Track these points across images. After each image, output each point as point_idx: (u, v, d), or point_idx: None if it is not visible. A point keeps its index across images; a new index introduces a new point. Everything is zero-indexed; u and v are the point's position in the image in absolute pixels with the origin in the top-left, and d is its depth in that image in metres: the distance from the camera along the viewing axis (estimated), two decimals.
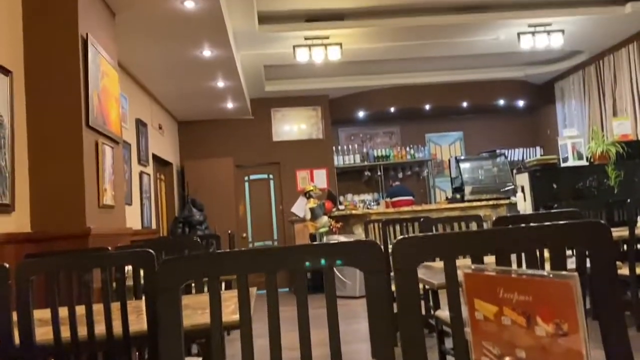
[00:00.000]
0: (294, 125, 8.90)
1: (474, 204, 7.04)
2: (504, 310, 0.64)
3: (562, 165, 6.76)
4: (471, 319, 0.68)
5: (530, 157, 8.58)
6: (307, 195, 7.36)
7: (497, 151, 8.39)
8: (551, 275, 0.59)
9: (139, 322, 1.91)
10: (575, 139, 6.81)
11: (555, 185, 6.41)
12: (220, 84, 6.60)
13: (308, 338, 1.16)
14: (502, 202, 6.99)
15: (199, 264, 1.13)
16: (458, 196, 7.52)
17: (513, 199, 6.88)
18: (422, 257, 1.09)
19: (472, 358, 0.70)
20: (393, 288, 1.18)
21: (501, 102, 9.07)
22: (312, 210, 7.23)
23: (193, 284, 3.10)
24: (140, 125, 6.19)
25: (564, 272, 0.57)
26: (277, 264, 1.15)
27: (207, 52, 5.44)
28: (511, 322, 0.63)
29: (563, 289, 0.57)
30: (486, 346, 0.66)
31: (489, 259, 1.00)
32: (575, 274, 0.56)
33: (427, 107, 8.93)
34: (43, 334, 1.72)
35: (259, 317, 1.27)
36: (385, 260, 1.24)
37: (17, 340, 1.65)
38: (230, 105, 7.74)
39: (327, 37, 6.13)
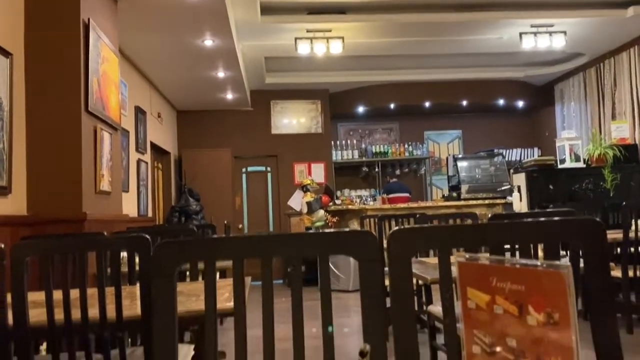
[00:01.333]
0: (293, 119, 8.89)
1: (470, 202, 7.05)
2: (496, 299, 0.64)
3: (559, 166, 6.78)
4: (463, 307, 0.69)
5: (527, 158, 8.60)
6: (304, 189, 7.36)
7: (495, 150, 8.40)
8: (544, 266, 0.59)
9: (132, 307, 1.92)
10: (573, 140, 6.83)
11: (551, 187, 6.43)
12: (221, 74, 6.59)
13: (301, 322, 1.17)
14: (498, 201, 7.01)
15: (195, 247, 1.13)
16: (454, 194, 7.54)
17: (509, 198, 6.90)
18: (416, 248, 1.10)
19: (463, 347, 0.71)
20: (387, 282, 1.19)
21: (501, 101, 9.07)
22: (308, 204, 7.24)
23: (188, 273, 3.11)
24: (139, 112, 6.18)
25: (557, 262, 0.58)
26: (273, 250, 1.16)
27: (208, 42, 5.42)
28: (503, 311, 0.64)
29: (555, 279, 0.57)
30: (478, 335, 0.67)
31: (484, 256, 1.01)
32: (568, 264, 0.56)
33: (427, 104, 8.93)
34: (36, 315, 1.72)
35: (253, 308, 1.28)
36: (380, 254, 1.25)
37: (10, 321, 1.65)
38: (229, 96, 7.73)
39: (330, 31, 6.11)
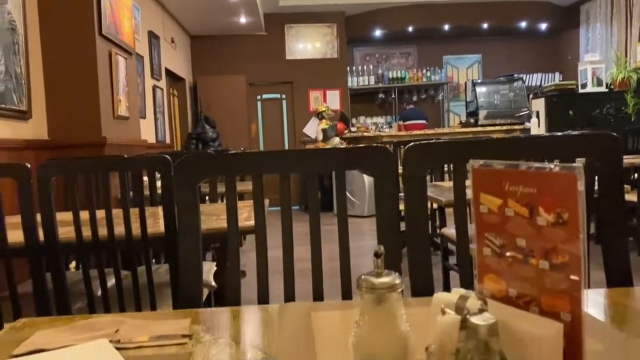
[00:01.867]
0: (308, 44, 8.70)
1: (488, 128, 6.99)
2: (508, 202, 0.66)
3: (580, 91, 6.62)
4: (476, 212, 0.71)
5: (548, 83, 8.39)
6: (320, 116, 7.33)
7: (515, 75, 8.20)
8: (557, 168, 0.61)
9: (156, 225, 1.99)
10: (597, 64, 6.62)
11: (571, 112, 6.32)
12: None
13: (318, 233, 1.21)
14: (516, 127, 6.93)
15: (216, 162, 1.16)
16: (472, 120, 7.46)
17: (527, 124, 6.82)
18: (432, 162, 1.11)
19: (475, 254, 0.74)
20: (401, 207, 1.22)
21: (523, 24, 8.75)
22: (324, 131, 7.24)
23: (207, 197, 3.19)
24: (152, 38, 6.10)
25: (569, 164, 0.59)
26: (291, 166, 1.19)
27: None
28: (514, 214, 0.66)
29: (567, 180, 0.59)
30: (489, 237, 0.70)
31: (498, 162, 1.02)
32: (580, 165, 0.58)
33: (446, 27, 8.65)
34: (64, 233, 1.80)
35: (272, 232, 1.32)
36: (395, 170, 1.27)
37: (41, 237, 1.73)
38: (243, 19, 7.55)
39: None
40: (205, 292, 2.19)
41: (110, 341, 0.78)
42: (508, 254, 0.67)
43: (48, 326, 0.93)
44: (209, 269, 2.30)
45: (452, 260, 3.66)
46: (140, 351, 0.81)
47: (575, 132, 1.06)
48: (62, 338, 0.84)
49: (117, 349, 0.75)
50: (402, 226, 1.24)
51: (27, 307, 1.76)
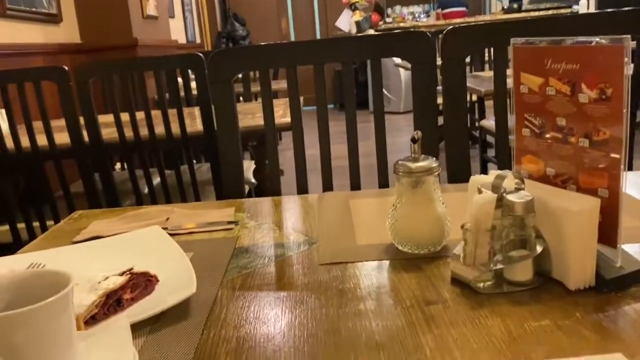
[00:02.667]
0: None
1: (532, 14, 6.59)
2: (549, 80, 0.64)
3: None
4: (516, 93, 0.70)
5: None
6: (353, 7, 7.03)
7: None
8: (603, 41, 0.58)
9: (194, 124, 2.03)
10: None
11: None
12: None
13: (354, 124, 1.21)
14: (562, 10, 6.51)
15: (248, 54, 1.15)
16: (515, 6, 7.03)
17: (575, 7, 6.38)
18: (472, 46, 1.07)
19: (513, 132, 0.73)
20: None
21: None
22: (357, 23, 6.97)
23: (241, 97, 3.19)
24: None
25: (616, 36, 0.56)
26: (325, 55, 1.17)
27: None
28: (555, 92, 0.64)
29: (613, 52, 0.56)
30: (528, 118, 0.69)
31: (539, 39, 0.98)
32: (628, 36, 0.55)
33: None
34: (107, 134, 1.86)
35: (308, 132, 1.33)
36: (433, 57, 1.23)
37: (86, 138, 1.79)
38: None
39: None
40: (246, 189, 2.26)
41: (162, 228, 0.83)
42: (547, 135, 0.67)
43: (102, 217, 0.99)
44: (247, 167, 2.35)
45: (491, 152, 3.63)
46: (191, 237, 0.86)
47: (625, 9, 0.99)
48: (117, 226, 0.90)
49: (169, 234, 0.80)
50: (440, 121, 1.23)
51: (80, 205, 1.86)
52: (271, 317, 0.61)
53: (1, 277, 0.48)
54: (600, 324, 0.55)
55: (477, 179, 0.70)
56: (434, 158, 0.74)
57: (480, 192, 0.64)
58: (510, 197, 0.62)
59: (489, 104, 3.47)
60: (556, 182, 0.67)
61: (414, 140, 0.73)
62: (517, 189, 0.64)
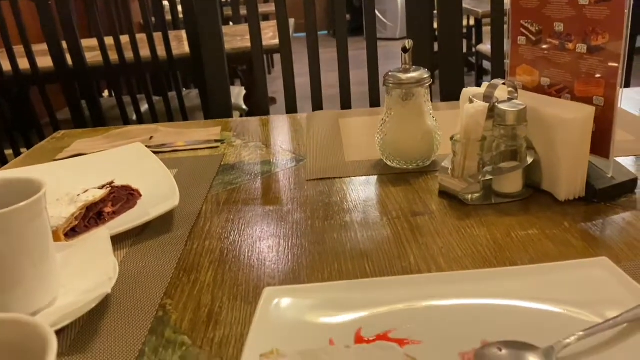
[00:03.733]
0: None
1: None
2: None
3: None
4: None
5: None
6: None
7: None
8: None
9: (180, 47, 1.96)
10: None
11: None
12: None
13: (345, 48, 1.17)
14: None
15: None
16: None
17: None
18: None
19: (509, 37, 0.70)
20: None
21: None
22: None
23: (230, 22, 3.08)
24: None
25: None
26: None
27: None
28: None
29: None
30: (524, 24, 0.65)
31: None
32: None
33: None
34: (92, 57, 1.79)
35: (298, 59, 1.27)
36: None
37: (69, 62, 1.73)
38: None
39: None
40: (237, 115, 2.22)
41: (146, 146, 0.81)
42: (544, 44, 0.64)
43: (85, 136, 0.96)
44: (238, 93, 2.31)
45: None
46: (175, 154, 0.84)
47: None
48: (100, 145, 0.88)
49: (153, 152, 0.78)
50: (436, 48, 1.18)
51: None
52: (256, 230, 0.60)
53: None
54: (588, 232, 0.54)
55: (469, 90, 0.68)
56: (426, 69, 0.71)
57: (471, 102, 0.62)
58: (502, 106, 0.60)
59: (486, 29, 3.37)
60: (551, 92, 0.64)
61: (404, 50, 0.70)
62: (510, 99, 0.62)
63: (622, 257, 0.49)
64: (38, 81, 1.75)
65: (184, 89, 2.64)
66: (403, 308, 0.42)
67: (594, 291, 0.42)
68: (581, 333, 0.37)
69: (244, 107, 2.25)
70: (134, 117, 1.91)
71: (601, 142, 0.59)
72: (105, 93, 2.80)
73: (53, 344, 0.24)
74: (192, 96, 2.31)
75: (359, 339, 0.38)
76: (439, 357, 0.37)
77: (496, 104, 0.60)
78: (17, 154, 1.83)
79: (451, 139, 0.62)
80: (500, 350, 0.36)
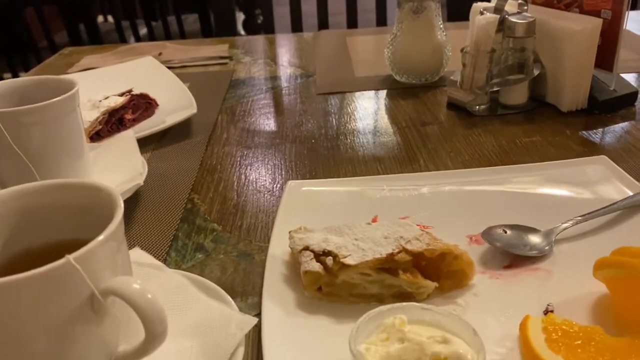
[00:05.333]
0: None
1: None
2: None
3: None
4: None
5: None
6: None
7: None
8: None
9: None
10: None
11: None
12: None
13: None
14: None
15: None
16: None
17: None
18: None
19: None
20: None
21: None
22: None
23: None
24: None
25: None
26: None
27: None
28: None
29: None
30: None
31: None
32: None
33: None
34: None
35: None
36: None
37: None
38: None
39: None
40: None
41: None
42: None
43: (93, 53, 0.97)
44: (237, 18, 2.26)
45: None
46: (185, 69, 0.86)
47: None
48: (110, 60, 0.88)
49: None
50: None
51: None
52: (273, 137, 0.63)
53: (3, 84, 0.48)
54: (588, 139, 0.57)
55: (479, 4, 0.69)
56: None
57: (482, 14, 0.63)
58: (512, 18, 0.61)
59: None
60: (560, 7, 0.65)
61: None
62: (520, 12, 0.63)
63: (619, 159, 0.52)
64: (33, 1, 1.71)
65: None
66: (415, 197, 0.45)
67: (593, 183, 0.46)
68: (579, 217, 0.41)
69: (243, 32, 2.22)
70: (132, 41, 1.89)
71: (606, 55, 0.61)
72: (100, 18, 2.74)
73: (120, 205, 0.27)
74: (190, 21, 2.27)
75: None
76: (449, 239, 0.40)
77: (506, 16, 0.62)
78: (15, 77, 1.82)
79: (461, 50, 0.64)
80: (505, 232, 0.40)
